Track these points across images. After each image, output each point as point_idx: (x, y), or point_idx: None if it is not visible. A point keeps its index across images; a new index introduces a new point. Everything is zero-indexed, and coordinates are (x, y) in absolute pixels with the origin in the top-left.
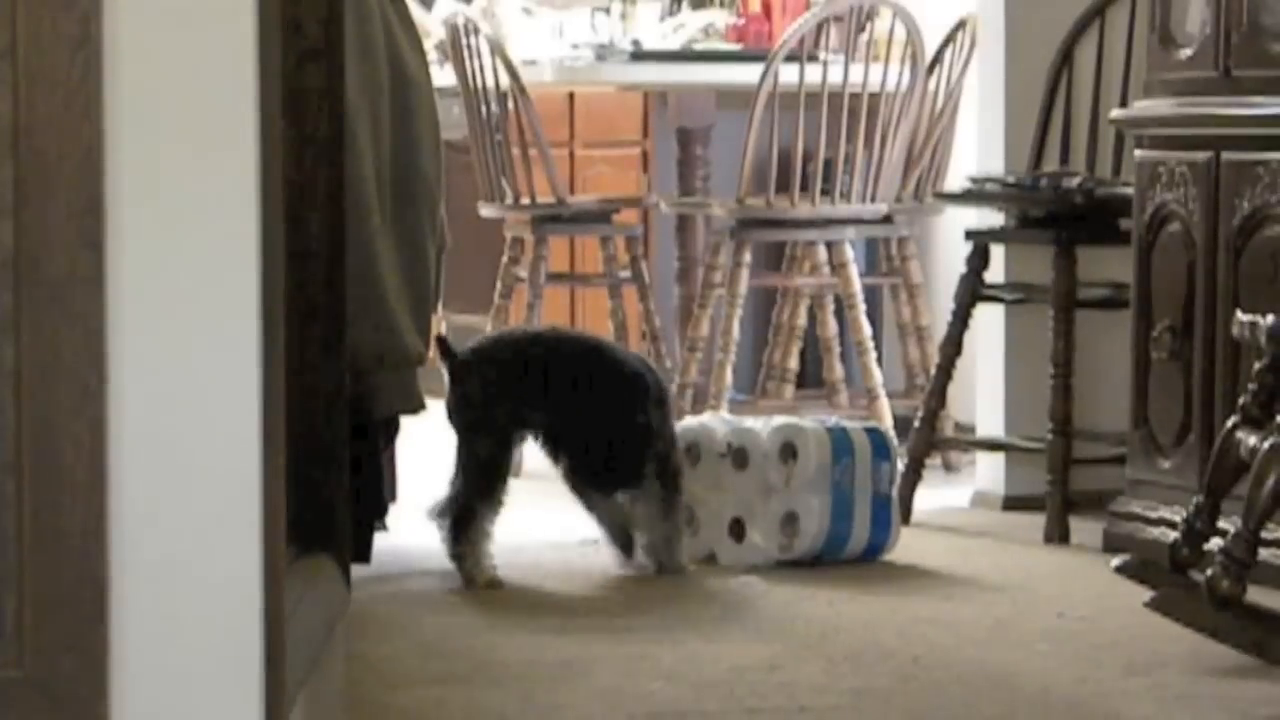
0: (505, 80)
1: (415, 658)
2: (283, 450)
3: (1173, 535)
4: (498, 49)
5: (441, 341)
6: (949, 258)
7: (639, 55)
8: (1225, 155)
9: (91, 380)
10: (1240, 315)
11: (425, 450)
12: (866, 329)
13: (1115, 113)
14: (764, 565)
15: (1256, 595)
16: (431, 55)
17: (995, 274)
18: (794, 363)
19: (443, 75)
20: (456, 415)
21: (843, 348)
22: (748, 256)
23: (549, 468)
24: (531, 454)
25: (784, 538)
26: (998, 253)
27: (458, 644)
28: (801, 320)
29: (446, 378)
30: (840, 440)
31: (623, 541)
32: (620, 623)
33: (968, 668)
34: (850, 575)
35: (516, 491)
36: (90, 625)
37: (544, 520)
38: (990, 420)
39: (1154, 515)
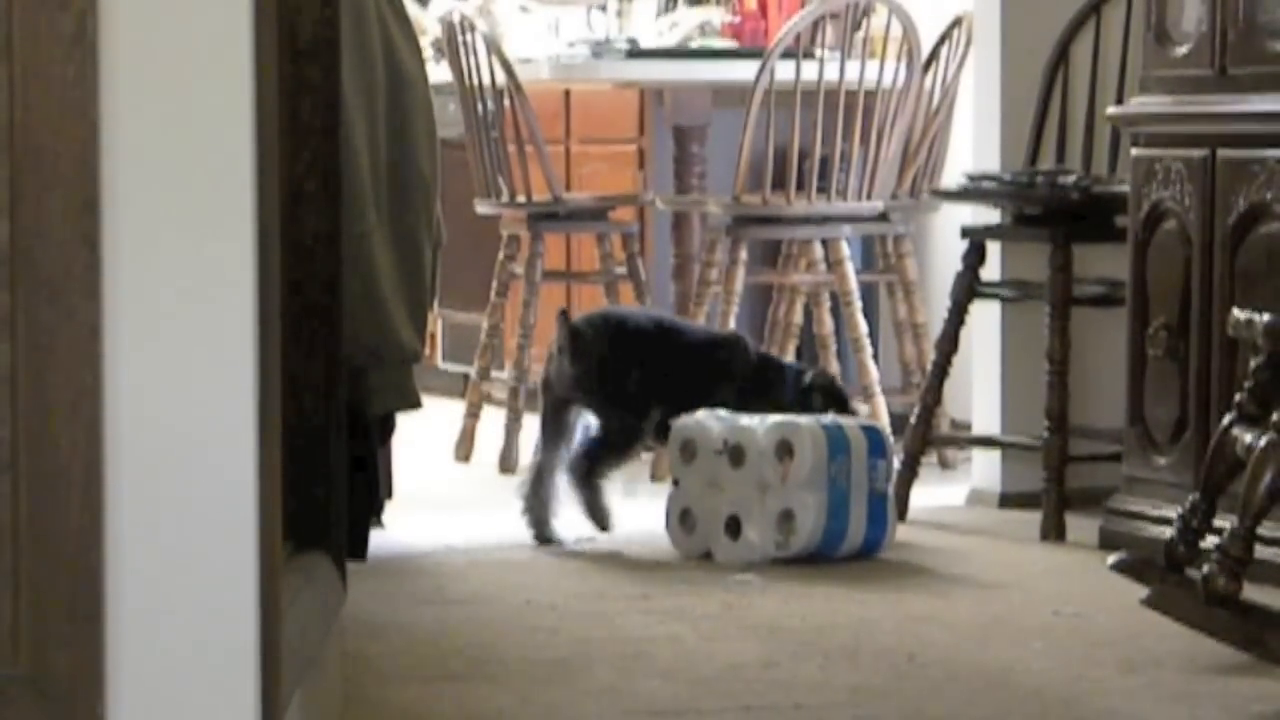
0: (501, 77)
1: (412, 655)
2: (279, 447)
3: (1169, 533)
4: (494, 46)
5: (564, 314)
6: (945, 255)
7: (635, 53)
8: (1221, 153)
9: (87, 378)
10: (1236, 312)
11: (421, 447)
12: (863, 326)
13: (1111, 110)
14: (760, 563)
15: (1253, 592)
16: (428, 52)
17: (991, 271)
18: (790, 360)
19: (439, 72)
20: (585, 386)
21: (839, 345)
22: (744, 254)
23: None
24: (528, 450)
25: (780, 535)
26: (994, 250)
27: (454, 642)
28: (798, 318)
29: (566, 351)
30: (836, 438)
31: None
32: (616, 621)
33: (963, 665)
34: (846, 573)
35: (512, 489)
36: (86, 623)
37: None
38: (986, 417)
39: (1150, 513)
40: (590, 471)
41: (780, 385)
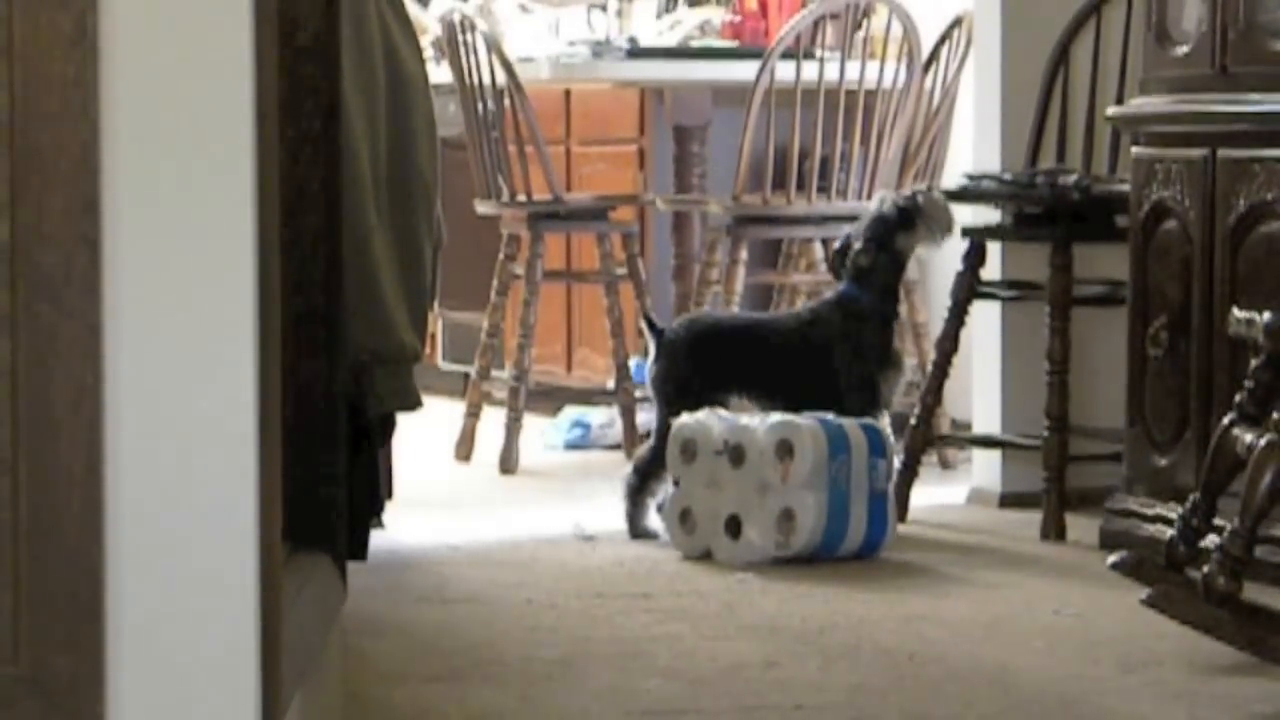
0: (502, 77)
1: (412, 655)
2: (279, 447)
3: (1169, 532)
4: (494, 46)
5: (648, 318)
6: (945, 255)
7: (635, 52)
8: (1221, 152)
9: (88, 377)
10: (1236, 312)
11: (421, 447)
12: None
13: (1112, 110)
14: (760, 562)
15: (1253, 592)
16: (428, 52)
17: (992, 271)
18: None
19: (439, 72)
20: (660, 385)
21: None
22: (744, 254)
23: (546, 465)
24: (528, 450)
25: (780, 535)
26: (994, 250)
27: (454, 641)
28: None
29: (652, 352)
30: (837, 437)
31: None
32: (616, 620)
33: (963, 665)
34: (846, 572)
35: (513, 488)
36: (86, 623)
37: (540, 517)
38: (987, 417)
39: (1150, 512)
40: (636, 475)
41: (863, 316)
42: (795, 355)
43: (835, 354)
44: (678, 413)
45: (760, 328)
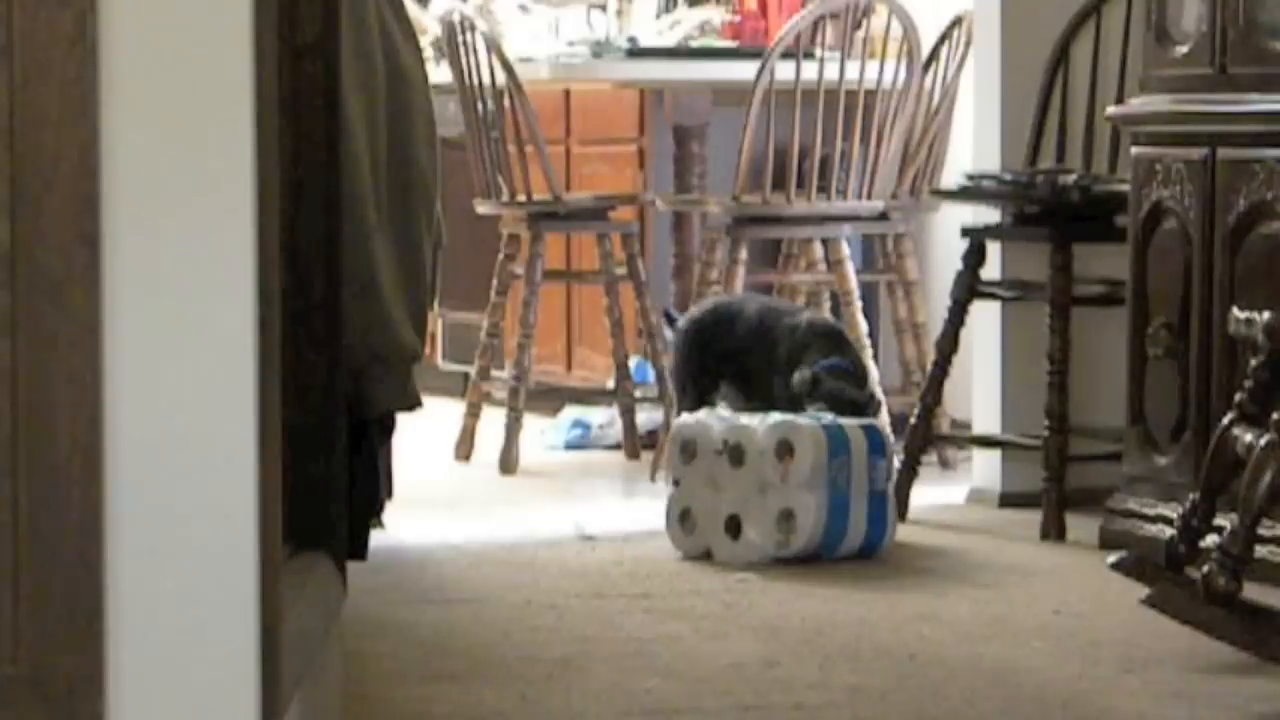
0: (501, 77)
1: (412, 655)
2: (279, 447)
3: (1169, 532)
4: (494, 46)
5: (666, 312)
6: (945, 254)
7: (635, 52)
8: (1221, 152)
9: (87, 377)
10: (1236, 312)
11: (421, 447)
12: (863, 326)
13: (1111, 109)
14: (760, 562)
15: (1252, 592)
16: (428, 52)
17: (991, 271)
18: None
19: (439, 72)
20: (676, 373)
21: None
22: (744, 254)
23: (546, 465)
24: (528, 450)
25: (780, 535)
26: (994, 249)
27: (454, 642)
28: None
29: (671, 344)
30: (836, 437)
31: None
32: (616, 620)
33: (964, 664)
34: (846, 572)
35: (513, 488)
36: (86, 622)
37: (540, 517)
38: (986, 417)
39: (1150, 512)
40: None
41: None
42: (758, 349)
43: (774, 368)
44: (702, 392)
45: (739, 316)
